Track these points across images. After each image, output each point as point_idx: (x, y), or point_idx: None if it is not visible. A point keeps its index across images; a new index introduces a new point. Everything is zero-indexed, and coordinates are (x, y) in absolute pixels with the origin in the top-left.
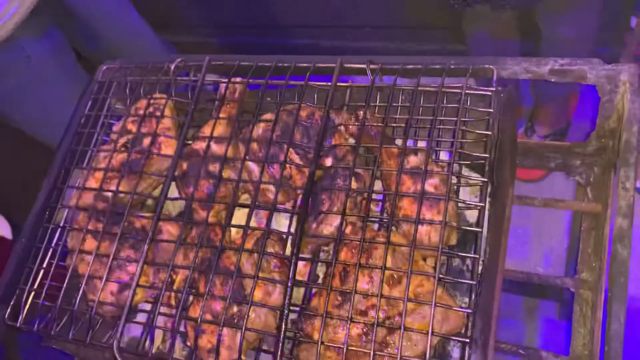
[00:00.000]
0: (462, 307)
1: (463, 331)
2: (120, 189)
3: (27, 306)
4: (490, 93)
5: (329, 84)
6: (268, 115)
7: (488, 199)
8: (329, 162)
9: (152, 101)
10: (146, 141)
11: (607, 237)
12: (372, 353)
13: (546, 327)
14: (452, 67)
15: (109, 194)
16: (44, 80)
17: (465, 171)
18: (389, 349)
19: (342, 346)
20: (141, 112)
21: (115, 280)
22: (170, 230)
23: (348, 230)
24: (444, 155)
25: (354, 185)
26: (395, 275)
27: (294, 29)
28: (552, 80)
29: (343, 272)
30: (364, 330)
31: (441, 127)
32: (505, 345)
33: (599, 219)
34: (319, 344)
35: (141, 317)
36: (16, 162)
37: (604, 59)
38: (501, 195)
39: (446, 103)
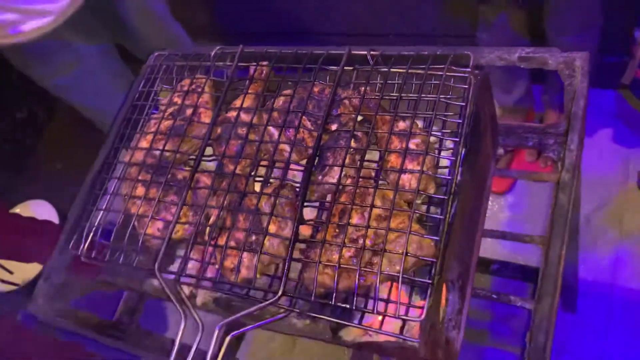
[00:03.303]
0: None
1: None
2: (166, 148)
3: (89, 240)
4: (467, 74)
5: (338, 67)
6: (287, 91)
7: (461, 155)
8: (334, 127)
9: (194, 80)
10: (189, 111)
11: (571, 201)
12: (358, 269)
13: None
14: (439, 53)
15: (157, 152)
16: (92, 75)
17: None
18: (372, 266)
19: (336, 264)
20: (185, 88)
21: (160, 218)
22: (205, 180)
23: (348, 182)
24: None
25: (353, 144)
26: (382, 215)
27: (322, 37)
28: (522, 66)
29: (341, 212)
30: (354, 253)
31: (425, 98)
32: (481, 291)
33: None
34: (318, 263)
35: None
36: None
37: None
38: (481, 163)
39: (433, 80)
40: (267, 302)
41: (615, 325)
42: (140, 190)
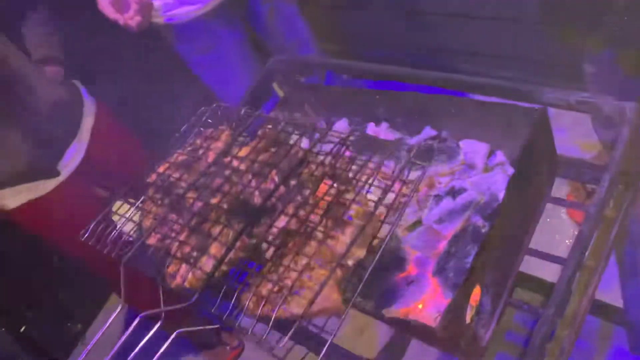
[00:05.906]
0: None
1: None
2: (174, 176)
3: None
4: None
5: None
6: (273, 149)
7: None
8: (293, 182)
9: (218, 130)
10: (201, 151)
11: (610, 236)
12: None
13: (615, 355)
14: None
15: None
16: (224, 60)
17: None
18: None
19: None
20: (207, 134)
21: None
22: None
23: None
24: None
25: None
26: (311, 265)
27: (437, 53)
28: (579, 108)
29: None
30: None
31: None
32: (513, 300)
33: (610, 223)
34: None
35: None
36: None
37: None
38: (533, 189)
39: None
40: (181, 305)
41: None
42: (147, 205)
